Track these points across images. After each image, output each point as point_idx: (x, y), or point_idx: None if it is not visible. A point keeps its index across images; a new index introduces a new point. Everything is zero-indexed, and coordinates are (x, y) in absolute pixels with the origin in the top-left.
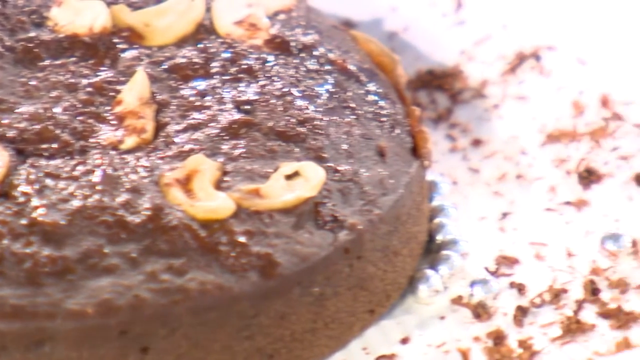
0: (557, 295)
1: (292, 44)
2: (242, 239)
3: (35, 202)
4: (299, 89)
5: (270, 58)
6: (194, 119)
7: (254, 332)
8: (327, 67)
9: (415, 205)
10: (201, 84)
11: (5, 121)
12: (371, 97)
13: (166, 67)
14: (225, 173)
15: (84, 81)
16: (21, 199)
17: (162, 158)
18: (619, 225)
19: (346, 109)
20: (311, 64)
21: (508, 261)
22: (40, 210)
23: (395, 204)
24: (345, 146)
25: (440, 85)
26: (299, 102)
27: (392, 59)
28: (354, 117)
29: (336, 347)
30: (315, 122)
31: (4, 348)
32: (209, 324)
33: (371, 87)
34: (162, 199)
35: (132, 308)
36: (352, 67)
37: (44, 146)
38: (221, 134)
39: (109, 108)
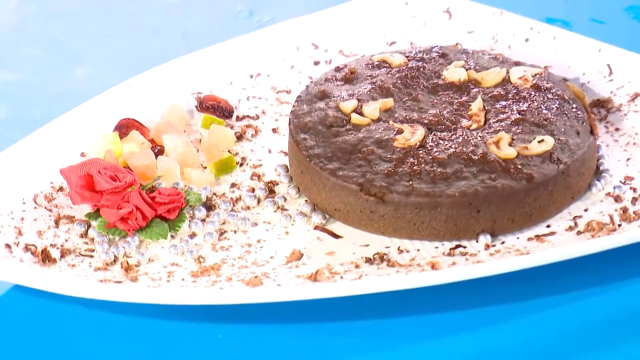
0: None
1: (541, 87)
2: (519, 167)
3: (434, 150)
4: (544, 105)
5: (532, 92)
6: (499, 117)
7: (524, 203)
8: (556, 97)
9: (591, 154)
10: (503, 103)
11: (424, 116)
12: (574, 110)
13: (490, 95)
14: (512, 140)
15: (456, 101)
16: (429, 149)
17: (487, 133)
18: None
19: (563, 115)
20: (549, 95)
21: (629, 179)
22: (437, 153)
23: (583, 154)
24: (562, 129)
25: (602, 105)
26: (544, 111)
27: (583, 93)
28: (566, 117)
29: (556, 212)
30: (550, 119)
31: (420, 209)
32: (504, 202)
33: (574, 105)
34: (486, 149)
35: (474, 194)
36: (566, 97)
37: (439, 127)
38: (510, 124)
39: (465, 112)
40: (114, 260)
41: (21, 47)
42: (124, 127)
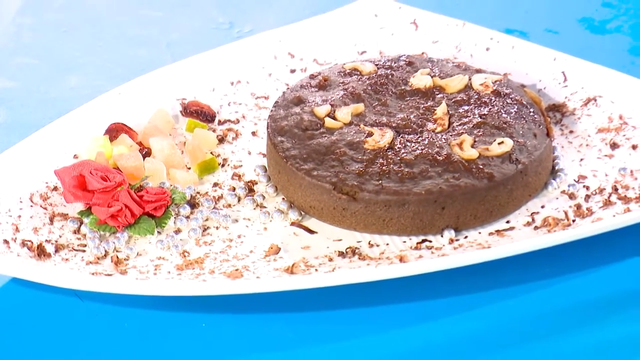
0: (601, 192)
1: (501, 92)
2: (481, 167)
3: (402, 151)
4: (504, 109)
5: (493, 98)
6: (462, 120)
7: (485, 200)
8: (514, 102)
9: (547, 154)
10: (466, 107)
11: (392, 120)
12: (531, 114)
13: (453, 101)
14: (474, 142)
15: (422, 106)
16: (397, 150)
17: (451, 135)
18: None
19: (521, 118)
20: (508, 100)
21: (582, 177)
22: (404, 154)
23: (540, 154)
24: (520, 132)
25: (557, 109)
26: (504, 115)
27: (539, 99)
28: (524, 121)
29: (515, 208)
30: (509, 122)
31: (389, 206)
32: (467, 200)
33: (531, 110)
34: (450, 150)
35: (439, 192)
36: (524, 102)
37: (406, 130)
38: (472, 127)
39: (431, 116)
40: (105, 255)
41: (18, 56)
42: (114, 131)
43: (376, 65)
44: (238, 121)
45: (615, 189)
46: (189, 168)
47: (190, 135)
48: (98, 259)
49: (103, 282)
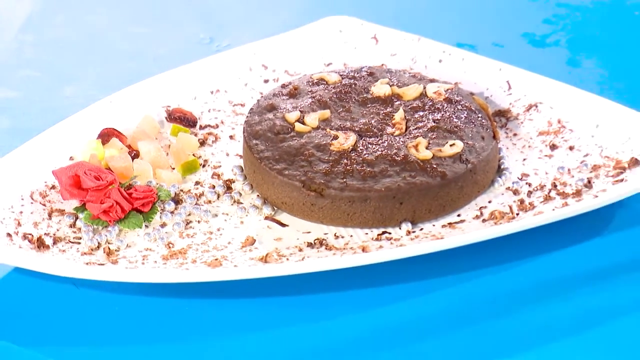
0: (542, 188)
1: (452, 100)
2: (434, 166)
3: (364, 153)
4: (455, 115)
5: (445, 104)
6: (418, 125)
7: (439, 196)
8: (464, 108)
9: (494, 155)
10: (421, 113)
11: (355, 124)
12: (479, 118)
13: (410, 107)
14: (429, 144)
15: (382, 112)
16: (359, 152)
17: (408, 138)
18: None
19: (471, 123)
20: (459, 107)
21: (525, 175)
22: (366, 155)
23: (487, 155)
24: (470, 135)
25: (502, 115)
26: (455, 120)
27: (487, 105)
28: (473, 125)
29: (465, 203)
30: (460, 126)
31: (353, 202)
32: (422, 196)
33: (479, 115)
34: (407, 152)
35: (397, 189)
36: (473, 108)
37: (368, 133)
38: (427, 131)
39: (390, 121)
40: (98, 246)
41: (21, 69)
42: (106, 135)
43: (341, 75)
44: (217, 126)
45: (555, 186)
46: (174, 168)
47: (174, 139)
48: (92, 250)
49: (96, 271)
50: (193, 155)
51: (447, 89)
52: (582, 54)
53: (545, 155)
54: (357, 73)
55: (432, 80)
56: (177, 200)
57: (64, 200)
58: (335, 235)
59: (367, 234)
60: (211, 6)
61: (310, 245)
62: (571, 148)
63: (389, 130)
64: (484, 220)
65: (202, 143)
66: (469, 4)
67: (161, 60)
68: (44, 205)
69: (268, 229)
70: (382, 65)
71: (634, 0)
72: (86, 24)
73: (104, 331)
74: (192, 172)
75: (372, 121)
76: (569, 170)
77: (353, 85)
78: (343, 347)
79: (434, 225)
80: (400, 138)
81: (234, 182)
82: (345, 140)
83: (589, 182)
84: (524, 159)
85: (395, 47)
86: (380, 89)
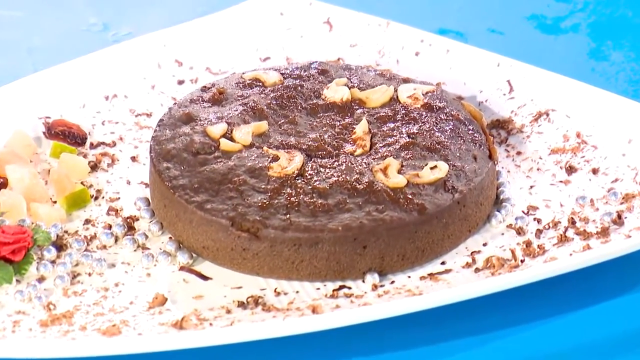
0: (555, 226)
1: (434, 106)
2: (409, 197)
3: (314, 178)
4: (437, 127)
5: (423, 113)
6: (387, 141)
7: (416, 237)
8: (450, 117)
9: (490, 181)
10: (391, 125)
11: (302, 140)
12: (470, 132)
13: (376, 117)
14: (402, 166)
15: (338, 123)
16: (308, 177)
17: (374, 159)
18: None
19: (458, 137)
20: (442, 116)
21: (533, 208)
22: (317, 183)
23: (481, 181)
24: (457, 154)
25: (502, 126)
26: (437, 133)
27: (480, 114)
28: (462, 141)
29: (452, 247)
30: (444, 143)
31: (299, 245)
32: (393, 237)
33: (470, 127)
34: (373, 177)
35: (359, 228)
36: (461, 117)
37: (319, 153)
38: (400, 148)
39: (349, 136)
40: None
41: None
42: None
43: (282, 74)
44: (115, 144)
45: (573, 222)
46: (55, 202)
47: (56, 162)
48: None
49: None
50: (81, 183)
51: (427, 92)
52: (608, 43)
53: (560, 182)
54: (305, 71)
55: (405, 80)
56: (59, 246)
57: None
58: (275, 291)
59: (318, 289)
60: None
61: (241, 305)
62: (594, 171)
63: (348, 148)
64: (477, 270)
65: (94, 167)
66: None
67: (38, 53)
68: None
69: (184, 283)
70: (339, 60)
71: None
72: None
73: None
74: (81, 207)
75: (325, 136)
76: (592, 201)
77: (299, 88)
78: None
79: (409, 277)
80: (363, 159)
81: (137, 220)
82: (289, 163)
83: (619, 217)
84: (531, 187)
85: (356, 35)
86: (336, 92)
